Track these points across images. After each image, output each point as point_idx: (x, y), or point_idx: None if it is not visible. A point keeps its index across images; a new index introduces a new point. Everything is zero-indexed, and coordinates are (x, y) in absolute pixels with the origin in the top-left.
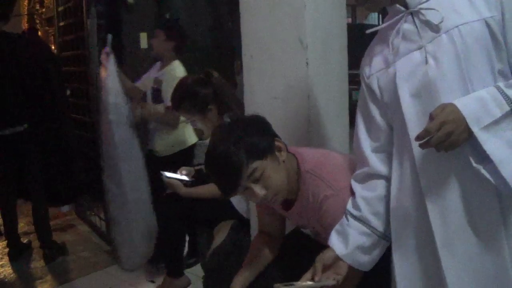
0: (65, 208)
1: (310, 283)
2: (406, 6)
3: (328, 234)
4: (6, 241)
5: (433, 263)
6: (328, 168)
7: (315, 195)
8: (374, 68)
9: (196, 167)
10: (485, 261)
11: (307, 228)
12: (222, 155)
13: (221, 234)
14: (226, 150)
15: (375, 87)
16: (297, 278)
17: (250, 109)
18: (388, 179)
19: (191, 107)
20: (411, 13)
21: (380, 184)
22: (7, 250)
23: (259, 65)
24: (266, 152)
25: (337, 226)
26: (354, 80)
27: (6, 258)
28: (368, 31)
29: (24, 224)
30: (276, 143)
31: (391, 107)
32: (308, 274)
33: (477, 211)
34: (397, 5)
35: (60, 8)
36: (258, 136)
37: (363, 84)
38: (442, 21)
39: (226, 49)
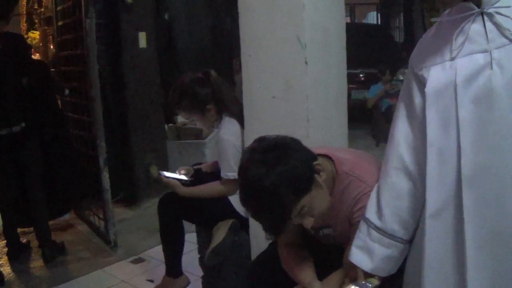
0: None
1: None
2: (478, 4)
3: (352, 233)
4: (5, 241)
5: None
6: (366, 168)
7: (351, 194)
8: (428, 60)
9: (195, 167)
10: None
11: (329, 227)
12: (269, 195)
13: (220, 234)
14: (273, 190)
15: (424, 78)
16: None
17: (248, 108)
18: (413, 178)
19: (190, 106)
20: (482, 14)
21: (407, 190)
22: (6, 249)
23: (257, 64)
24: (311, 182)
25: (358, 242)
26: (353, 80)
27: (5, 257)
28: (433, 19)
29: None
30: (317, 166)
31: (439, 103)
32: (345, 278)
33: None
34: (470, 3)
35: (59, 8)
36: (300, 166)
37: (411, 75)
38: None
39: (224, 48)
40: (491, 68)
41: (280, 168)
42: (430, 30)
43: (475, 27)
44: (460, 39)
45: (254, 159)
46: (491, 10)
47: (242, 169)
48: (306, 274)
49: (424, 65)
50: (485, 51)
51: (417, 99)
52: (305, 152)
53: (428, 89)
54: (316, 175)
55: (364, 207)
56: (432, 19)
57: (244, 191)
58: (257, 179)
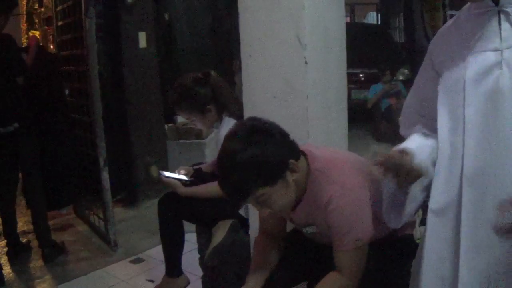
0: (64, 210)
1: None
2: (496, 2)
3: (332, 235)
4: (5, 241)
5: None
6: (339, 168)
7: (322, 194)
8: (443, 54)
9: (195, 167)
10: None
11: (313, 226)
12: (236, 170)
13: (220, 233)
14: (241, 167)
15: (440, 71)
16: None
17: (249, 108)
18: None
19: (190, 107)
20: (499, 12)
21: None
22: (6, 249)
23: (258, 65)
24: (278, 177)
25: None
26: (353, 80)
27: (5, 257)
28: (450, 12)
29: (23, 224)
30: (293, 165)
31: (449, 100)
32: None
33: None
34: (489, 0)
35: (59, 8)
36: (275, 157)
37: (428, 66)
38: None
39: (224, 49)
40: (501, 68)
41: (255, 150)
42: (448, 22)
43: (490, 25)
44: (475, 36)
45: (237, 134)
46: (508, 9)
47: (225, 138)
48: (254, 278)
49: (439, 59)
50: (496, 49)
51: (433, 91)
52: (288, 147)
53: (441, 85)
54: (288, 172)
55: (335, 210)
56: (449, 12)
57: (219, 158)
58: (232, 152)
